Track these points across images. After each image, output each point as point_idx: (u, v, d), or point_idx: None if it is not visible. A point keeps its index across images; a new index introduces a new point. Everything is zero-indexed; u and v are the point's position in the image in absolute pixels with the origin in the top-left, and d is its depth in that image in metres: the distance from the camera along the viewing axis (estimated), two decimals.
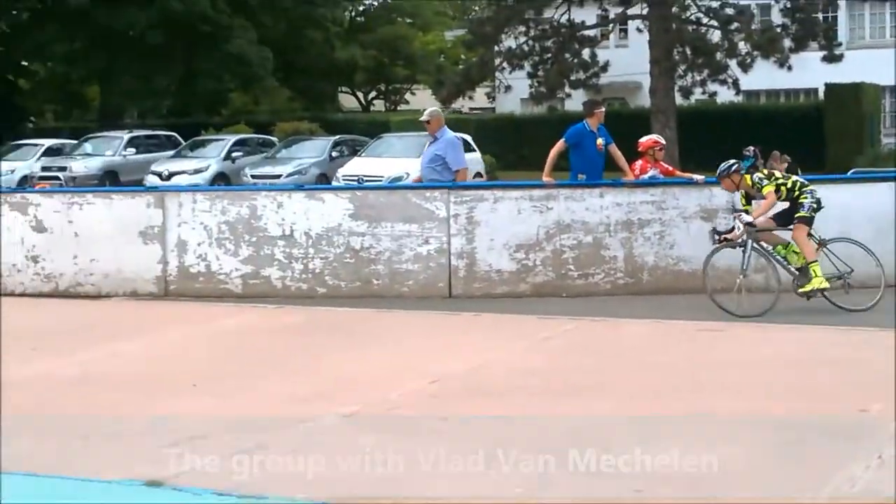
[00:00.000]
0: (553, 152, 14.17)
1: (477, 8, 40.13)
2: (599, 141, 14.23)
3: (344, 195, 13.90)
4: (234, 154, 32.21)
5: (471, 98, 37.83)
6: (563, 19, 34.11)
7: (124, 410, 8.23)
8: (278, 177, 29.13)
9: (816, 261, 11.85)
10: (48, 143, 35.84)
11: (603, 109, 14.67)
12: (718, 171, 12.25)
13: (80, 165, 31.96)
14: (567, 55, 34.08)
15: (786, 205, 12.05)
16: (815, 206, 11.89)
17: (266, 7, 44.78)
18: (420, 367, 9.47)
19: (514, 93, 37.22)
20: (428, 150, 14.46)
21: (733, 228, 12.01)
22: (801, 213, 11.88)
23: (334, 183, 26.50)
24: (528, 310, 11.55)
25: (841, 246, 12.31)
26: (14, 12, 44.41)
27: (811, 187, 12.06)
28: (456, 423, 7.56)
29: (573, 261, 13.31)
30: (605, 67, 34.21)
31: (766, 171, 12.18)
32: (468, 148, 30.87)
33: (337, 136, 33.79)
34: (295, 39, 47.58)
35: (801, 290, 11.88)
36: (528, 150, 36.01)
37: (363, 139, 32.75)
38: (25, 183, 30.65)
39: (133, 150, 33.61)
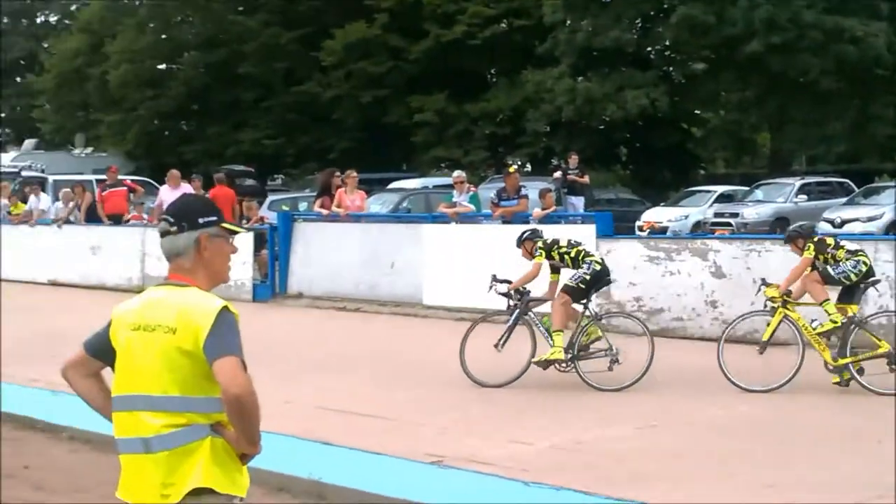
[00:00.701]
0: None
1: None
2: None
3: None
4: None
5: None
6: None
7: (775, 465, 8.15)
8: None
9: (561, 330, 11.52)
10: (720, 189, 36.62)
11: None
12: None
13: (751, 212, 32.29)
14: None
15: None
16: (586, 277, 11.52)
17: None
18: None
19: None
20: None
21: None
22: (567, 283, 11.67)
23: None
24: None
25: (617, 320, 12.66)
26: (690, 63, 46.01)
27: (596, 258, 11.86)
28: None
29: None
30: None
31: (550, 240, 11.95)
32: None
33: None
34: None
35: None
36: None
37: None
38: (697, 228, 31.52)
39: (804, 196, 33.45)
